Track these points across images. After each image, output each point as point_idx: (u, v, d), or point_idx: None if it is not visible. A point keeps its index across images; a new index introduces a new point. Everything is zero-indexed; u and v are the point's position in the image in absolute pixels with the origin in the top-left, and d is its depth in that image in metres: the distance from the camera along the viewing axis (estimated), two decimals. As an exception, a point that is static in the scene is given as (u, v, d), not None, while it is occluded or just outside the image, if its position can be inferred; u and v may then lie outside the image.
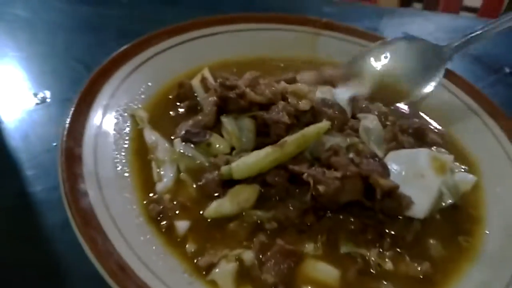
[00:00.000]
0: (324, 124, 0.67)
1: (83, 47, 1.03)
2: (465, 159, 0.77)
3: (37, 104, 0.87)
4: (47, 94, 0.89)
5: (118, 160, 0.67)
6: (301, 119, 0.70)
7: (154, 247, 0.58)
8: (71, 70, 0.96)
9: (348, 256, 0.60)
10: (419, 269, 0.60)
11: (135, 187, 0.64)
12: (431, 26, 1.23)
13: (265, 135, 0.68)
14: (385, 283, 0.58)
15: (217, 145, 0.68)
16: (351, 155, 0.66)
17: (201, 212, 0.62)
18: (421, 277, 0.59)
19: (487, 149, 0.76)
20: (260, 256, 0.58)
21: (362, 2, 1.34)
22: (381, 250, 0.61)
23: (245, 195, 0.62)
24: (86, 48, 1.02)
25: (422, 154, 0.68)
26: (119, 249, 0.53)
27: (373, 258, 0.60)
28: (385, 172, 0.64)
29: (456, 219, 0.67)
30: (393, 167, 0.66)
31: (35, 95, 0.88)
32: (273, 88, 0.69)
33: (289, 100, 0.70)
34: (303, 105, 0.69)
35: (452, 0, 1.72)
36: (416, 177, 0.65)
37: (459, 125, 0.82)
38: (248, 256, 0.57)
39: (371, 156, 0.65)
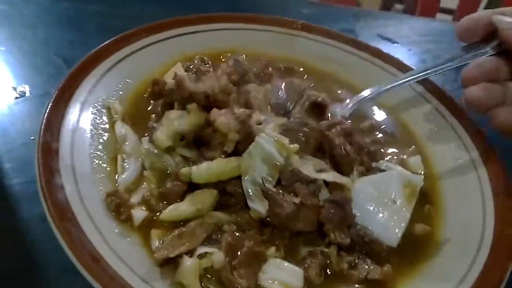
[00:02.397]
0: (293, 148, 0.66)
1: (63, 42, 1.03)
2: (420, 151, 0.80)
3: (16, 98, 0.87)
4: (27, 88, 0.89)
5: (94, 154, 0.68)
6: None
7: (128, 239, 0.60)
8: (51, 64, 0.96)
9: (309, 255, 0.61)
10: (379, 271, 0.60)
11: (108, 180, 0.66)
12: (405, 29, 1.26)
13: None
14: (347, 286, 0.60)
15: (160, 141, 0.68)
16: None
17: (157, 214, 0.63)
18: (381, 279, 0.60)
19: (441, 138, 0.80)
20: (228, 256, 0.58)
21: (342, 3, 1.37)
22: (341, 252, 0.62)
23: (202, 197, 0.64)
24: (66, 43, 1.03)
25: (394, 179, 0.68)
26: (94, 241, 0.55)
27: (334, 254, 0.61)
28: (344, 221, 0.63)
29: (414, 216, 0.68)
30: (365, 193, 0.67)
31: (15, 89, 0.89)
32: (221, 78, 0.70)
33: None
34: (232, 135, 0.66)
35: (429, 3, 1.78)
36: (388, 204, 0.66)
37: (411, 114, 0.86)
38: (218, 257, 0.57)
39: (335, 200, 0.64)
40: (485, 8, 1.96)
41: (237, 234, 0.61)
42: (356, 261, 0.61)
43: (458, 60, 0.76)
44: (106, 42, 0.83)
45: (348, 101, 0.86)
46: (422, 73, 0.82)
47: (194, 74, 0.80)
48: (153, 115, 0.76)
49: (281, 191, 0.64)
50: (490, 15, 0.72)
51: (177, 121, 0.67)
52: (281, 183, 0.65)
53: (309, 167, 0.66)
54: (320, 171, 0.67)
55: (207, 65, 0.86)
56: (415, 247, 0.65)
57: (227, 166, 0.65)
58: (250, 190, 0.63)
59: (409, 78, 0.83)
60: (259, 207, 0.62)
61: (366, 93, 0.85)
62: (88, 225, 0.57)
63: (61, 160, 0.63)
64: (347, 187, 0.66)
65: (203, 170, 0.64)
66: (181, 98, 0.70)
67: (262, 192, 0.63)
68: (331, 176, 0.66)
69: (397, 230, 0.64)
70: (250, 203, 0.63)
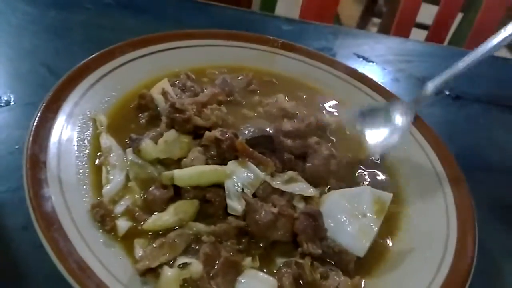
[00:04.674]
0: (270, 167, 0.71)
1: (49, 51, 1.05)
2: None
3: (0, 106, 0.88)
4: (11, 97, 0.90)
5: (80, 165, 0.71)
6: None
7: (112, 249, 0.62)
8: (36, 74, 0.98)
9: (284, 265, 0.64)
10: (349, 283, 0.64)
11: (94, 191, 0.68)
12: (381, 48, 1.32)
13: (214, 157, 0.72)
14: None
15: (146, 151, 0.71)
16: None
17: (141, 223, 0.66)
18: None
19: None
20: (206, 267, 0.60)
21: (320, 20, 1.42)
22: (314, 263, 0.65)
23: (184, 207, 0.67)
24: (52, 53, 1.04)
25: (366, 194, 0.72)
26: (80, 251, 0.57)
27: (308, 264, 0.64)
28: (316, 233, 0.66)
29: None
30: (338, 205, 0.71)
31: (-1, 97, 0.90)
32: (218, 112, 0.75)
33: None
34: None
35: (405, 18, 1.85)
36: (358, 217, 0.69)
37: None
38: (196, 267, 0.60)
39: (309, 212, 0.68)
40: (459, 24, 2.05)
41: (215, 244, 0.63)
42: (328, 272, 0.65)
43: None
44: (93, 56, 0.85)
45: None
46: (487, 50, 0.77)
47: (180, 90, 0.84)
48: (132, 124, 0.79)
49: (259, 202, 0.68)
50: None
51: (172, 146, 0.71)
52: (257, 195, 0.70)
53: (278, 180, 0.70)
54: (290, 181, 0.72)
55: (192, 81, 0.89)
56: (380, 260, 0.69)
57: (209, 170, 0.68)
58: (230, 190, 0.67)
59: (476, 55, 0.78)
60: (237, 205, 0.66)
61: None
62: (75, 235, 0.60)
63: (49, 172, 0.65)
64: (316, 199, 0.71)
65: (185, 173, 0.67)
66: (182, 127, 0.73)
67: (241, 195, 0.67)
68: (297, 188, 0.71)
69: (364, 241, 0.68)
70: (228, 201, 0.67)
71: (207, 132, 0.71)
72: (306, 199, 0.72)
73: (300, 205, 0.71)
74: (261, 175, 0.70)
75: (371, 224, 0.69)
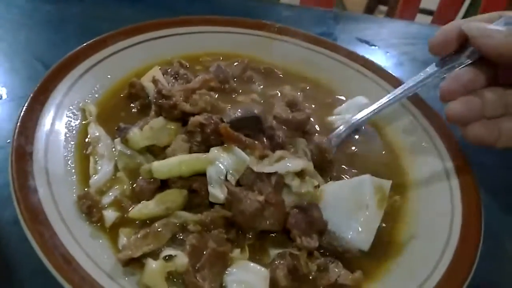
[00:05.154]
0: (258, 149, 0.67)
1: (43, 45, 1.03)
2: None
3: (-7, 100, 0.87)
4: (4, 91, 0.89)
5: (67, 156, 0.69)
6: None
7: (100, 241, 0.60)
8: (30, 67, 0.96)
9: (278, 257, 0.61)
10: (350, 277, 0.60)
11: (81, 182, 0.67)
12: (384, 32, 1.28)
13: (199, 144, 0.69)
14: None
15: (134, 140, 0.69)
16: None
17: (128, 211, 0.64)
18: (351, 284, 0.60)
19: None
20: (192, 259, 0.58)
21: (321, 5, 1.39)
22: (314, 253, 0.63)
23: (172, 197, 0.64)
24: (46, 46, 1.03)
25: (366, 184, 0.68)
26: (66, 243, 0.56)
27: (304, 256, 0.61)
28: (312, 227, 0.64)
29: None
30: (339, 196, 0.67)
31: (-8, 91, 0.89)
32: (207, 97, 0.72)
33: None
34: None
35: (410, 3, 1.80)
36: (360, 208, 0.66)
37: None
38: (181, 260, 0.57)
39: (300, 206, 0.65)
40: (467, 10, 2.00)
41: (201, 234, 0.61)
42: (328, 264, 0.62)
43: (435, 75, 0.77)
44: (83, 45, 0.83)
45: (341, 127, 0.84)
46: (402, 94, 0.82)
47: (172, 78, 0.81)
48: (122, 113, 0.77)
49: (244, 190, 0.64)
50: (460, 25, 0.74)
51: (159, 133, 0.69)
52: (241, 183, 0.66)
53: (265, 162, 0.67)
54: (279, 160, 0.68)
55: (186, 68, 0.87)
56: (381, 249, 0.66)
57: (190, 159, 0.65)
58: (212, 177, 0.64)
59: (390, 100, 0.83)
60: (219, 193, 0.63)
61: (358, 116, 0.84)
62: (61, 227, 0.58)
63: (35, 163, 0.64)
64: (317, 190, 0.68)
65: (163, 165, 0.65)
66: (170, 114, 0.71)
67: (223, 183, 0.64)
68: (288, 164, 0.67)
69: (369, 235, 0.65)
70: (210, 189, 0.64)
71: (191, 117, 0.68)
72: (301, 175, 0.67)
73: (295, 183, 0.67)
74: (247, 159, 0.66)
75: (374, 216, 0.66)
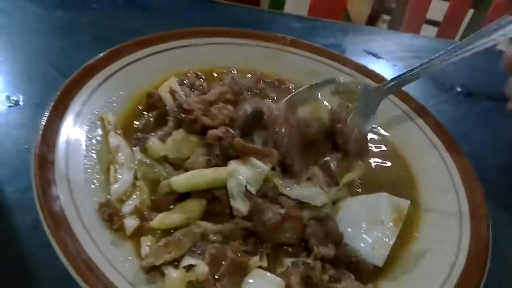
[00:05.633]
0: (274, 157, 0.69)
1: (57, 52, 1.05)
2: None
3: (10, 106, 0.89)
4: (20, 97, 0.91)
5: (88, 165, 0.70)
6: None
7: (121, 248, 0.62)
8: (45, 74, 0.98)
9: (292, 265, 0.63)
10: None
11: (102, 190, 0.68)
12: (390, 45, 1.31)
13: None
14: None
15: (153, 149, 0.70)
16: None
17: (149, 222, 0.65)
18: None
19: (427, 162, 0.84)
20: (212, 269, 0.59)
21: (329, 17, 1.41)
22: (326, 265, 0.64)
23: (192, 206, 0.66)
24: (60, 53, 1.05)
25: (383, 201, 0.70)
26: (88, 250, 0.57)
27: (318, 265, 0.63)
28: (328, 236, 0.65)
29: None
30: (357, 211, 0.69)
31: (8, 97, 0.90)
32: (225, 111, 0.74)
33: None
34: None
35: (416, 14, 1.83)
36: (375, 224, 0.68)
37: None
38: (202, 269, 0.59)
39: (317, 217, 0.67)
40: (470, 20, 2.02)
41: (221, 244, 0.63)
42: (340, 275, 0.63)
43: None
44: (101, 55, 0.85)
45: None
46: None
47: (188, 89, 0.83)
48: (139, 123, 0.79)
49: (267, 202, 0.66)
50: None
51: (181, 145, 0.71)
52: (266, 195, 0.68)
53: (286, 184, 0.69)
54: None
55: (201, 80, 0.89)
56: (393, 263, 0.68)
57: (208, 174, 0.67)
58: (234, 191, 0.66)
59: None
60: (241, 206, 0.65)
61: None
62: (83, 234, 0.59)
63: (57, 171, 0.65)
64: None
65: (182, 179, 0.66)
66: (190, 127, 0.73)
67: (244, 195, 0.66)
68: (310, 195, 0.69)
69: (383, 250, 0.66)
70: (232, 202, 0.65)
71: (210, 131, 0.70)
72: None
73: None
74: (265, 168, 0.68)
75: (390, 233, 0.68)
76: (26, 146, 0.80)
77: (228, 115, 0.73)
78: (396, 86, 0.88)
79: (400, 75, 0.88)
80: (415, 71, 0.85)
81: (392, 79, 0.89)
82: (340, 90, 0.85)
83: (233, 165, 0.68)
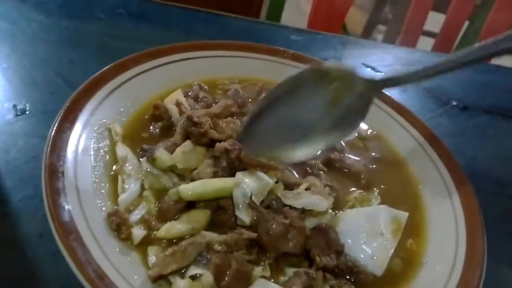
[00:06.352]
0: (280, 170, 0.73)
1: (63, 61, 1.06)
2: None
3: (16, 115, 0.90)
4: (27, 106, 0.92)
5: (96, 175, 0.72)
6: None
7: (128, 257, 0.63)
8: (51, 83, 0.99)
9: (294, 275, 0.65)
10: None
11: (110, 200, 0.70)
12: (389, 58, 1.34)
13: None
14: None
15: (161, 160, 0.72)
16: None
17: (155, 232, 0.67)
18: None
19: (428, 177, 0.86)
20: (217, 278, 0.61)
21: (328, 30, 1.44)
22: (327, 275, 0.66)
23: (197, 216, 0.68)
24: (66, 62, 1.06)
25: (382, 213, 0.72)
26: (97, 259, 0.59)
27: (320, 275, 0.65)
28: (330, 246, 0.67)
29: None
30: (356, 223, 0.71)
31: (15, 106, 0.92)
32: (233, 125, 0.77)
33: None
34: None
35: (413, 26, 1.86)
36: (375, 235, 0.70)
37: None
38: (207, 279, 0.61)
39: (319, 227, 0.69)
40: (465, 33, 2.05)
41: (225, 254, 0.64)
42: (341, 285, 0.65)
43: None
44: (108, 66, 0.87)
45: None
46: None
47: (193, 100, 0.86)
48: (144, 134, 0.82)
49: (271, 212, 0.69)
50: None
51: (189, 156, 0.73)
52: (270, 206, 0.71)
53: (288, 195, 0.71)
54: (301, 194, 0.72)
55: (205, 91, 0.91)
56: (393, 273, 0.70)
57: (215, 183, 0.69)
58: (239, 201, 0.68)
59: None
60: (245, 217, 0.67)
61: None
62: (92, 243, 0.61)
63: (66, 181, 0.67)
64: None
65: (189, 188, 0.69)
66: (199, 140, 0.75)
67: (249, 205, 0.68)
68: (313, 203, 0.71)
69: (382, 261, 0.68)
70: (237, 212, 0.68)
71: (218, 143, 0.72)
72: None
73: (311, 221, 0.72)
74: (270, 181, 0.70)
75: (388, 244, 0.70)
76: (33, 155, 0.81)
77: (235, 129, 0.75)
78: (391, 83, 0.76)
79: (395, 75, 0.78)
80: (413, 71, 0.77)
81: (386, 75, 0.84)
82: (331, 77, 0.73)
83: (239, 175, 0.70)
